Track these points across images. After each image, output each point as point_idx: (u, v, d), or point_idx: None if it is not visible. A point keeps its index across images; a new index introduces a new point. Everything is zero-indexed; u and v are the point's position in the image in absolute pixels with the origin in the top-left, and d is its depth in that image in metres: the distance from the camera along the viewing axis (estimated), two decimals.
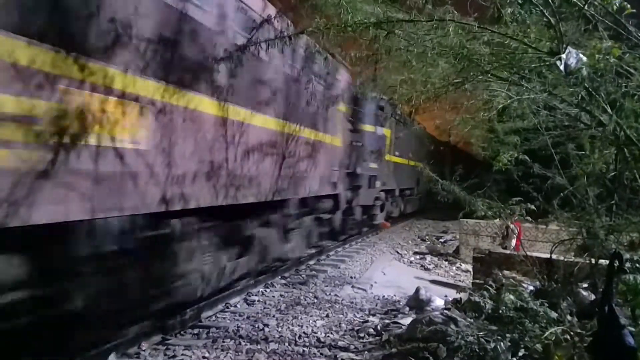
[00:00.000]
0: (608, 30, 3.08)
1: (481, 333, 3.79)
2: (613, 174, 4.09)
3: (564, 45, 2.78)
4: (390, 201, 14.79)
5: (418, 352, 4.01)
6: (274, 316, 5.69)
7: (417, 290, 6.18)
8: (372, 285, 7.57)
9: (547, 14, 2.99)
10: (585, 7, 2.85)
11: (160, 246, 4.50)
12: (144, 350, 4.47)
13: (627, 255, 3.24)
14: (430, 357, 3.80)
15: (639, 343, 2.84)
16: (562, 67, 2.66)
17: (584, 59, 2.65)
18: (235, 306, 6.13)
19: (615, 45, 2.76)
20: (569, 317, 3.89)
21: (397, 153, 14.73)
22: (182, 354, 4.44)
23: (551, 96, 3.71)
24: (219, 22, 4.94)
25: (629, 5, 2.86)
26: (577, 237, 4.37)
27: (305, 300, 6.48)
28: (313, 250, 9.80)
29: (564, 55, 2.66)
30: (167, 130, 4.17)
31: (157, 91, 4.02)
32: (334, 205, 9.60)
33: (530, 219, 5.09)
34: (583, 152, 4.52)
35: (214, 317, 5.64)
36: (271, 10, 5.77)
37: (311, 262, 9.13)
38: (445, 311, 4.90)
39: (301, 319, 5.60)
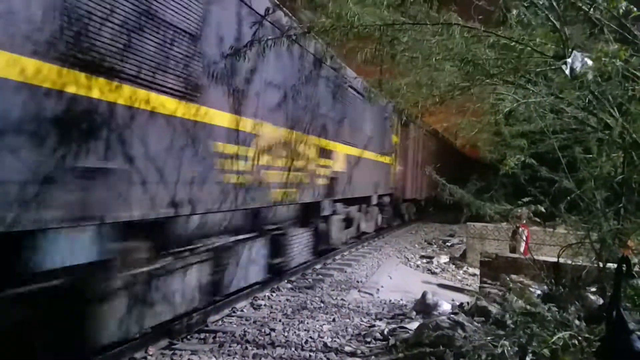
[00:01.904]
0: (614, 33, 3.07)
1: (488, 338, 3.78)
2: (621, 177, 4.06)
3: (570, 49, 2.77)
4: None
5: (425, 357, 4.00)
6: (280, 321, 5.68)
7: (424, 294, 6.15)
8: (378, 289, 7.55)
9: (552, 18, 2.98)
10: (591, 11, 2.84)
11: None
12: (151, 355, 4.48)
13: (635, 260, 3.22)
14: None
15: None
16: (567, 71, 2.66)
17: (590, 62, 2.64)
18: (242, 310, 6.13)
19: (622, 48, 2.75)
20: (577, 322, 3.86)
21: None
22: (189, 359, 4.45)
23: (558, 99, 3.70)
24: None
25: (635, 9, 2.85)
26: (584, 241, 4.35)
27: (311, 304, 6.47)
28: None
29: (569, 59, 2.65)
30: None
31: None
32: None
33: (539, 220, 5.08)
34: (590, 155, 4.50)
35: (220, 322, 5.64)
36: None
37: (317, 266, 9.11)
38: (452, 316, 4.88)
39: (308, 323, 5.59)
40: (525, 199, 4.77)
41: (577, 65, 2.63)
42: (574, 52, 2.71)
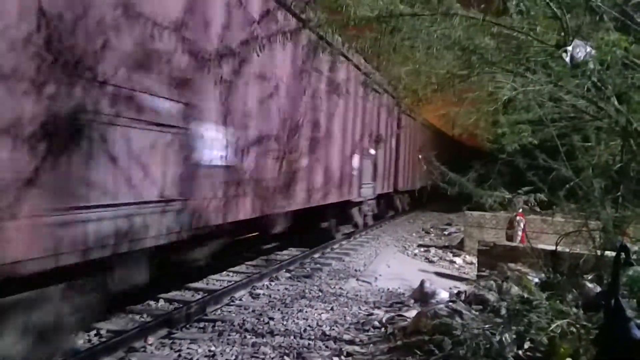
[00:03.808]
0: (615, 21, 3.04)
1: (486, 326, 3.79)
2: (619, 165, 4.07)
3: (571, 38, 2.75)
4: None
5: (423, 345, 4.01)
6: (279, 309, 5.70)
7: (422, 283, 6.18)
8: (376, 278, 7.57)
9: (552, 6, 2.95)
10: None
11: None
12: (150, 345, 4.49)
13: (634, 248, 3.23)
14: (436, 350, 3.81)
15: None
16: (567, 59, 2.64)
17: (593, 51, 2.62)
18: (241, 300, 6.14)
19: (623, 37, 2.73)
20: (574, 310, 3.88)
21: None
22: (189, 348, 4.46)
23: (557, 88, 3.69)
24: None
25: None
26: (582, 229, 4.36)
27: (310, 293, 6.49)
28: None
29: (569, 48, 2.63)
30: None
31: None
32: None
33: (539, 210, 5.08)
34: (589, 144, 4.49)
35: (219, 311, 5.66)
36: None
37: (316, 256, 9.13)
38: (450, 304, 4.90)
39: (306, 312, 5.61)
40: (525, 189, 4.77)
41: (579, 54, 2.61)
42: (576, 40, 2.69)
